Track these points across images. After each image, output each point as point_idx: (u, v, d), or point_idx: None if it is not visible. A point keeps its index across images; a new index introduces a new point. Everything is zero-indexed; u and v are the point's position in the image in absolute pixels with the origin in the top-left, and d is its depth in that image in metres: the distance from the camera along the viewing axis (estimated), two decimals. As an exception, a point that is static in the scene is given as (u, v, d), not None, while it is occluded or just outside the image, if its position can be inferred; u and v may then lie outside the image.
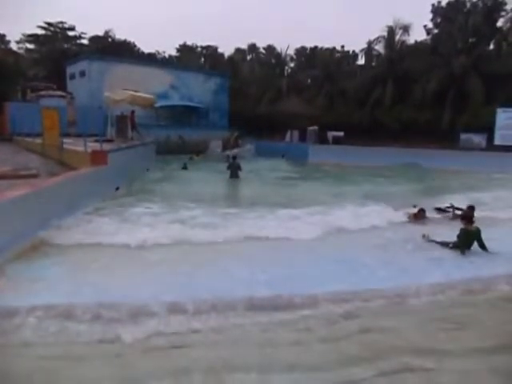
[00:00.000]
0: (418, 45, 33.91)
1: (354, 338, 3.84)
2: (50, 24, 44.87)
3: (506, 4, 29.95)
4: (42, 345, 3.64)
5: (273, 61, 45.61)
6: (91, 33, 46.42)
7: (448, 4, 32.34)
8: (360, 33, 65.83)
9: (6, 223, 5.64)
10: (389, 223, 8.51)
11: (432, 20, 33.64)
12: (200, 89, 33.95)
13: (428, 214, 9.10)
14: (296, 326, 4.07)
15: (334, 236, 7.54)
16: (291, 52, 45.97)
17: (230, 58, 48.47)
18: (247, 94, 39.38)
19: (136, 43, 48.66)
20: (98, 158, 10.91)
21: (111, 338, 3.74)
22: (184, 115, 31.89)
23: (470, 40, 30.65)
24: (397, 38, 33.18)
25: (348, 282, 5.09)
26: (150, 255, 6.14)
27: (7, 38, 44.60)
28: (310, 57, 45.29)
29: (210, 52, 51.33)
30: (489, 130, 24.34)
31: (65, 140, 13.74)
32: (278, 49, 44.37)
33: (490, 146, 24.13)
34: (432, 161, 21.91)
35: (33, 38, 45.24)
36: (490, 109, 25.08)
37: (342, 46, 43.13)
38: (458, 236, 6.59)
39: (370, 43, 36.41)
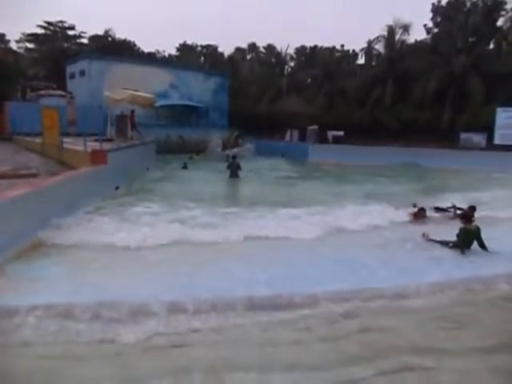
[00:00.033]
0: (418, 44, 33.92)
1: (353, 338, 3.84)
2: (49, 23, 44.90)
3: (505, 3, 30.00)
4: (41, 344, 3.64)
5: (273, 60, 45.62)
6: (91, 32, 46.55)
7: (448, 3, 32.34)
8: (360, 32, 65.80)
9: (5, 223, 5.64)
10: (390, 223, 8.47)
11: (432, 19, 33.67)
12: (200, 88, 33.94)
13: (428, 214, 9.10)
14: (296, 326, 4.07)
15: (334, 236, 7.53)
16: (291, 51, 46.08)
17: (230, 57, 48.46)
18: (247, 94, 39.37)
19: (136, 42, 48.77)
20: (97, 157, 10.91)
21: (111, 338, 3.74)
22: (184, 114, 31.88)
23: (470, 39, 30.65)
24: (397, 37, 33.22)
25: (348, 282, 5.09)
26: (150, 255, 6.13)
27: (7, 38, 44.71)
28: (310, 56, 45.28)
29: (210, 51, 51.31)
30: (489, 129, 24.35)
31: (65, 139, 13.73)
32: (278, 48, 44.50)
33: (490, 146, 24.13)
34: (432, 160, 21.91)
35: (33, 37, 45.24)
36: (490, 108, 25.09)
37: (342, 46, 43.21)
38: (458, 235, 6.59)
39: (370, 42, 36.48)
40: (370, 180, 16.70)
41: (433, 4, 33.23)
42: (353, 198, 11.41)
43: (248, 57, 50.70)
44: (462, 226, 6.67)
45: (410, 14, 63.92)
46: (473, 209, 8.09)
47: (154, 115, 27.81)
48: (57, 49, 42.40)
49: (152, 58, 45.24)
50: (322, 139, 29.25)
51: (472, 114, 26.78)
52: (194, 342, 3.74)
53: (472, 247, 6.59)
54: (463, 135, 25.59)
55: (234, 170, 15.45)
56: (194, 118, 32.77)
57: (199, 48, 52.21)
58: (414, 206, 9.42)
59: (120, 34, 46.96)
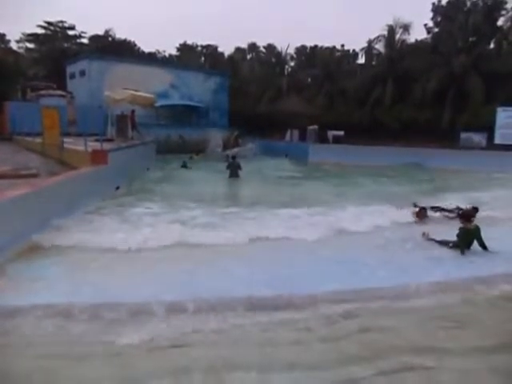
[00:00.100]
0: (419, 44, 33.90)
1: (353, 338, 3.84)
2: (49, 23, 44.90)
3: (506, 3, 29.97)
4: (41, 344, 3.64)
5: (273, 60, 45.62)
6: (91, 32, 46.56)
7: (448, 3, 32.32)
8: (360, 32, 65.74)
9: (6, 223, 5.65)
10: (392, 223, 8.41)
11: (432, 19, 33.67)
12: (200, 88, 33.94)
13: (428, 213, 9.09)
14: (296, 326, 4.06)
15: (334, 236, 7.51)
16: (291, 51, 46.08)
17: (230, 57, 48.45)
18: (247, 93, 39.36)
19: (136, 42, 48.77)
20: (98, 157, 10.92)
21: (111, 338, 3.73)
22: (184, 114, 31.88)
23: (471, 39, 30.64)
24: (397, 36, 33.23)
25: (348, 282, 5.09)
26: (150, 255, 6.14)
27: (7, 38, 44.74)
28: (310, 56, 45.28)
29: (210, 51, 51.31)
30: (489, 129, 24.33)
31: (65, 139, 13.73)
32: (278, 48, 44.51)
33: (490, 145, 24.10)
34: (432, 160, 21.90)
35: (33, 37, 45.24)
36: (490, 108, 25.07)
37: (342, 45, 43.18)
38: (458, 235, 6.58)
39: (370, 42, 36.47)
40: (370, 180, 16.67)
41: (433, 3, 33.26)
42: (354, 198, 11.41)
43: (248, 57, 50.69)
44: (461, 225, 6.67)
45: (410, 14, 64.26)
46: (475, 210, 8.05)
47: (155, 115, 27.83)
48: (57, 49, 42.41)
49: (152, 58, 45.24)
50: (322, 139, 29.24)
51: (472, 114, 26.76)
52: (195, 342, 3.74)
53: (472, 247, 6.58)
54: (463, 135, 25.57)
55: (233, 169, 15.45)
56: (194, 118, 32.77)
57: (199, 48, 52.21)
58: (415, 205, 9.42)
59: (120, 34, 47.10)
